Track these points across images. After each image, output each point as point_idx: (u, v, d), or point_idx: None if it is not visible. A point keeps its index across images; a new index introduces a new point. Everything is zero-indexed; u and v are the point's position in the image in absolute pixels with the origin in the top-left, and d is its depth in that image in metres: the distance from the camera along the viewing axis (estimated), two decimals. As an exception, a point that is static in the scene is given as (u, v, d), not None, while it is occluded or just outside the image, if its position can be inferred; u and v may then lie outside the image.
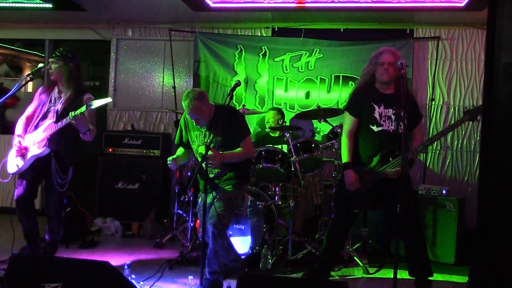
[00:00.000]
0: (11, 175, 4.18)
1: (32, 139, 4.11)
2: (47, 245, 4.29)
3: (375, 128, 3.82)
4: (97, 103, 3.94)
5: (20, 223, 4.23)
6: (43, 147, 4.06)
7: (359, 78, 4.08)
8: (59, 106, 4.14)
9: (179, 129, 4.13)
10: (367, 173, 3.81)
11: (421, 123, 3.98)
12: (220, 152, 3.73)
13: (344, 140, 3.91)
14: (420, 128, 3.99)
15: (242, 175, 3.99)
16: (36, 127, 4.14)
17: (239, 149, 3.86)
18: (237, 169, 3.93)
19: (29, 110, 4.27)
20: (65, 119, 3.97)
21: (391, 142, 3.77)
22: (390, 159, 3.73)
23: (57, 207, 4.23)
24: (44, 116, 4.14)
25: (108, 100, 4.01)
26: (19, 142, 4.09)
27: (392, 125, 3.79)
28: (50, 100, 4.18)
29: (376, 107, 3.83)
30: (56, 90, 4.22)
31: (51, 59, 4.19)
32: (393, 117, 3.78)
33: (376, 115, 3.82)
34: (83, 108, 3.91)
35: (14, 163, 4.12)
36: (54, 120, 4.08)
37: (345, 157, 3.88)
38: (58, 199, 4.21)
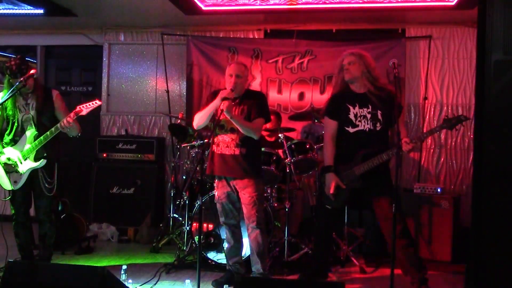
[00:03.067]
0: (11, 192, 4.15)
1: (17, 153, 4.05)
2: (41, 251, 4.27)
3: (350, 130, 3.86)
4: (86, 109, 3.93)
5: (16, 237, 4.22)
6: (38, 159, 4.04)
7: (334, 87, 4.13)
8: (32, 113, 4.10)
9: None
10: (345, 171, 3.84)
11: (402, 115, 3.99)
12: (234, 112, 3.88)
13: (327, 145, 3.98)
14: (403, 119, 4.01)
15: (256, 171, 4.05)
16: (16, 139, 4.08)
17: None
18: (251, 165, 3.99)
19: None
20: (54, 128, 3.96)
21: (368, 143, 3.81)
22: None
23: (48, 212, 4.20)
24: (21, 127, 4.08)
25: (97, 103, 3.99)
26: (7, 159, 4.04)
27: (368, 124, 3.83)
28: (19, 110, 4.10)
29: (351, 107, 3.88)
30: (20, 98, 4.12)
31: (34, 68, 4.11)
32: (368, 116, 3.82)
33: (351, 116, 3.87)
34: (72, 115, 3.91)
35: (9, 180, 4.07)
36: (36, 128, 4.05)
37: (326, 161, 3.95)
38: (48, 203, 4.17)
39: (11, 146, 4.10)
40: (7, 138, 4.13)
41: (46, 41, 7.00)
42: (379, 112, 3.82)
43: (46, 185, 4.10)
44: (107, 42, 6.77)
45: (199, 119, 4.02)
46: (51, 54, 7.11)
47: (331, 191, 3.83)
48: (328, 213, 4.01)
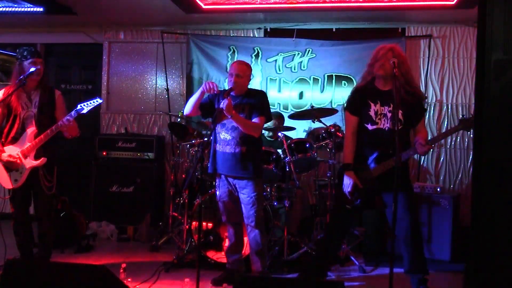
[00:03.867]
0: (11, 191, 4.14)
1: (17, 150, 4.04)
2: (40, 250, 4.27)
3: (369, 127, 3.78)
4: (87, 107, 3.92)
5: (15, 235, 4.21)
6: (40, 157, 4.04)
7: (362, 78, 3.97)
8: (34, 111, 4.09)
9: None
10: (362, 172, 3.81)
11: (423, 117, 3.92)
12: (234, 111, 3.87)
13: (347, 141, 3.86)
14: (423, 122, 3.94)
15: (256, 171, 4.03)
16: (16, 137, 4.07)
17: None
18: (251, 164, 3.98)
19: None
20: (54, 127, 3.95)
21: (385, 142, 3.73)
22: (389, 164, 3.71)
23: (47, 210, 4.19)
24: (22, 125, 4.08)
25: (98, 101, 3.98)
26: (10, 156, 4.03)
27: (388, 123, 3.74)
28: (22, 107, 4.09)
29: (372, 104, 3.78)
30: (23, 95, 4.11)
31: (39, 59, 4.07)
32: (389, 115, 3.75)
33: (372, 113, 3.78)
34: (73, 113, 3.91)
35: (9, 178, 4.06)
36: (37, 126, 4.05)
37: (346, 158, 3.83)
38: (47, 202, 4.17)
39: (12, 144, 4.09)
40: (7, 136, 4.12)
41: (46, 39, 6.99)
42: (400, 111, 3.69)
43: (46, 184, 4.10)
44: (107, 40, 6.77)
45: (187, 106, 4.11)
46: (51, 52, 7.10)
47: (350, 189, 3.76)
48: (346, 214, 3.98)
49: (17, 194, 4.13)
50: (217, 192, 4.17)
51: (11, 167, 4.05)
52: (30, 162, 4.04)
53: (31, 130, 4.05)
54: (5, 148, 4.08)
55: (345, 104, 3.98)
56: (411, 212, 3.72)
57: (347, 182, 3.78)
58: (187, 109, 4.10)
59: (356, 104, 3.86)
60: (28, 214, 4.27)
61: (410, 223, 3.72)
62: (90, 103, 3.96)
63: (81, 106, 3.95)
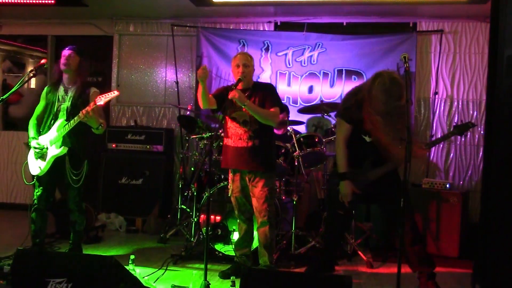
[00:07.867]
0: (34, 177, 4.25)
1: (47, 140, 4.19)
2: (73, 237, 4.41)
3: (367, 138, 3.79)
4: (104, 99, 3.98)
5: (32, 223, 4.28)
6: (61, 147, 4.15)
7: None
8: (67, 104, 4.21)
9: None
10: (357, 176, 3.81)
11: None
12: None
13: (340, 148, 3.83)
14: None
15: (269, 164, 4.04)
16: (49, 127, 4.21)
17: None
18: (264, 158, 3.98)
19: (38, 110, 4.33)
20: (76, 117, 4.04)
21: (382, 150, 3.75)
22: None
23: (77, 201, 4.33)
24: (55, 116, 4.21)
25: (114, 93, 4.06)
26: (37, 144, 4.17)
27: None
28: (58, 99, 4.24)
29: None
30: (61, 88, 4.28)
31: (72, 51, 4.22)
32: None
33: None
34: (91, 105, 3.97)
35: (36, 165, 4.21)
36: (66, 118, 4.17)
37: (342, 166, 3.80)
38: (76, 194, 4.30)
39: (47, 133, 4.22)
40: (43, 126, 4.27)
41: (56, 31, 7.03)
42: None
43: (73, 177, 4.22)
44: (117, 32, 6.79)
45: (199, 102, 4.04)
46: (61, 44, 7.13)
47: (349, 199, 3.77)
48: (341, 217, 4.00)
49: (41, 182, 4.23)
50: (230, 187, 4.16)
51: (37, 154, 4.18)
52: (53, 151, 4.14)
53: (60, 121, 4.18)
54: (40, 137, 4.22)
55: (341, 111, 3.89)
56: (408, 214, 3.71)
57: (346, 192, 3.78)
58: (201, 104, 4.03)
59: (353, 117, 3.78)
60: (49, 204, 4.35)
61: (410, 225, 3.73)
62: (107, 95, 4.04)
63: (99, 97, 4.02)
